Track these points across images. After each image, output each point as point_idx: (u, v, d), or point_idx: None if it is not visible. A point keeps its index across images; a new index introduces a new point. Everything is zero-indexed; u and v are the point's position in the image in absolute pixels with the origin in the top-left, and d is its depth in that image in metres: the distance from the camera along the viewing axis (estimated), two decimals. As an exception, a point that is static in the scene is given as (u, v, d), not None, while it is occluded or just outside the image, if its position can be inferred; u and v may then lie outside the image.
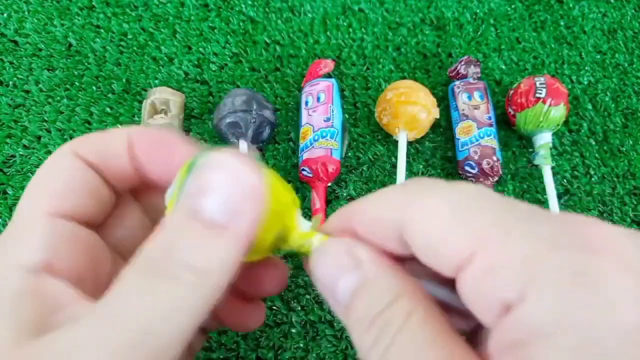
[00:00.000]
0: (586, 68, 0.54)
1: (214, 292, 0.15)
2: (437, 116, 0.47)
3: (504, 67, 0.54)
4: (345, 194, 0.46)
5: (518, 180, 0.48)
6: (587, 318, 0.11)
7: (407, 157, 0.47)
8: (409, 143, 0.48)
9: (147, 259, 0.15)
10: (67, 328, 0.14)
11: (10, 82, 0.50)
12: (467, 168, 0.45)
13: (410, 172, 0.47)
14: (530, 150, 0.49)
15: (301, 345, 0.39)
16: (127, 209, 0.20)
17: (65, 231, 0.16)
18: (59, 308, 0.15)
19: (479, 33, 0.56)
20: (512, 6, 0.58)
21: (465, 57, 0.50)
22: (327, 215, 0.44)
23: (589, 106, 0.52)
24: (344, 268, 0.15)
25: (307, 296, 0.41)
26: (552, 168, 0.47)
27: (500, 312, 0.12)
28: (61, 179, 0.17)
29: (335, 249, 0.16)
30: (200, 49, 0.53)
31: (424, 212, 0.14)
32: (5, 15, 0.54)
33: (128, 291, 0.14)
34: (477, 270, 0.13)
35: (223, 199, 0.15)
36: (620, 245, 0.12)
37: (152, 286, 0.14)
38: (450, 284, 0.15)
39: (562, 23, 0.57)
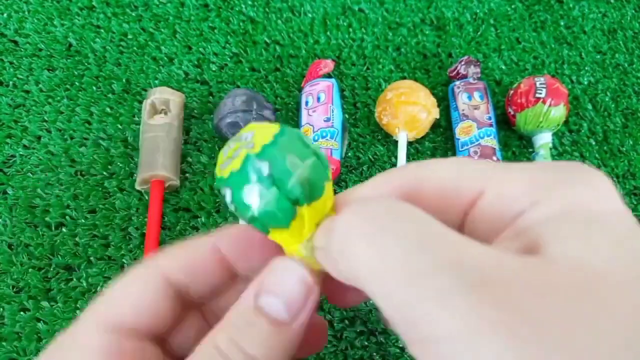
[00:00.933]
0: (586, 68, 0.54)
1: None
2: (437, 116, 0.47)
3: (504, 67, 0.54)
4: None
5: (518, 180, 0.48)
6: (588, 205, 0.13)
7: (407, 157, 0.47)
8: (409, 143, 0.48)
9: (214, 347, 0.16)
10: None
11: (10, 82, 0.50)
12: (467, 168, 0.45)
13: (410, 172, 0.47)
14: (530, 150, 0.49)
15: (301, 345, 0.39)
16: (191, 316, 0.20)
17: (124, 347, 0.16)
18: None
19: (479, 33, 0.56)
20: (512, 6, 0.58)
21: (465, 57, 0.50)
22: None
23: (589, 106, 0.52)
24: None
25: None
26: (552, 168, 0.47)
27: (511, 223, 0.14)
28: (135, 297, 0.17)
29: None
30: (200, 49, 0.53)
31: (435, 166, 0.16)
32: (5, 15, 0.54)
33: None
34: (490, 197, 0.15)
35: (288, 300, 0.16)
36: (597, 172, 0.15)
37: None
38: None
39: (562, 23, 0.57)
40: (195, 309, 0.20)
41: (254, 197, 0.16)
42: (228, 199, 0.16)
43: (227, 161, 0.16)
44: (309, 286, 0.17)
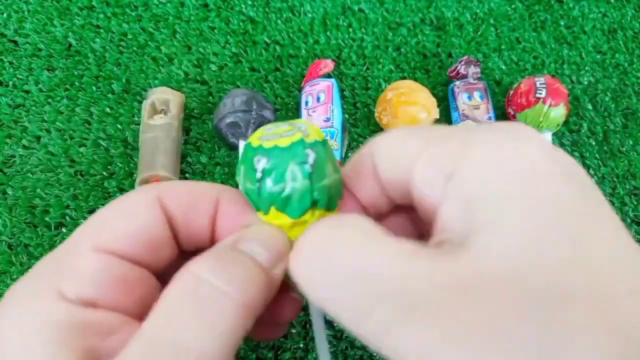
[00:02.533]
0: (586, 68, 0.54)
1: (252, 312, 0.16)
2: (437, 116, 0.47)
3: (504, 67, 0.54)
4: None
5: (518, 180, 0.48)
6: (515, 174, 0.14)
7: (407, 157, 0.47)
8: (409, 143, 0.48)
9: (194, 275, 0.16)
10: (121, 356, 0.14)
11: (10, 82, 0.50)
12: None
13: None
14: (530, 150, 0.49)
15: (301, 345, 0.39)
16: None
17: (114, 270, 0.16)
18: (109, 333, 0.15)
19: (479, 33, 0.56)
20: (512, 6, 0.58)
21: (465, 57, 0.50)
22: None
23: (589, 106, 0.52)
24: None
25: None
26: (552, 168, 0.47)
27: (445, 184, 0.15)
28: (129, 221, 0.17)
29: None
30: (200, 49, 0.53)
31: (379, 142, 0.18)
32: (5, 15, 0.54)
33: (174, 306, 0.15)
34: (425, 160, 0.16)
35: (269, 247, 0.17)
36: (525, 127, 0.16)
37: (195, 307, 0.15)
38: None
39: (562, 23, 0.57)
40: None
41: (289, 176, 0.17)
42: (260, 165, 0.17)
43: (274, 136, 0.17)
44: (287, 241, 0.18)
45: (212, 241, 0.19)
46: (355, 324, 0.14)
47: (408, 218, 0.20)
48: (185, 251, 0.19)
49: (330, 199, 0.17)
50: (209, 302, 0.15)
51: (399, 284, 0.13)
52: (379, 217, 0.19)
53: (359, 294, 0.14)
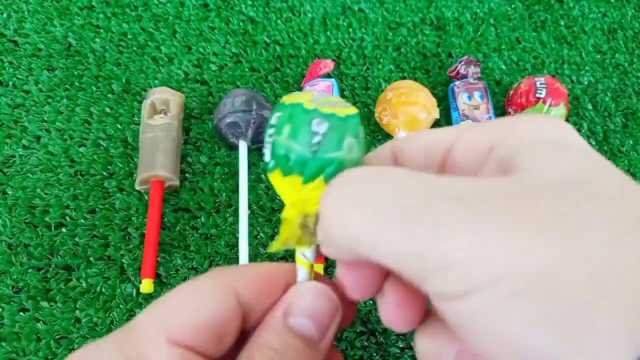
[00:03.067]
0: (586, 68, 0.54)
1: None
2: (437, 116, 0.47)
3: (504, 67, 0.54)
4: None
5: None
6: (549, 136, 0.16)
7: (407, 157, 0.47)
8: (409, 143, 0.48)
9: None
10: None
11: (10, 82, 0.50)
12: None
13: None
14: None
15: None
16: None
17: None
18: None
19: (479, 33, 0.56)
20: (512, 6, 0.58)
21: (465, 57, 0.50)
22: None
23: (589, 106, 0.52)
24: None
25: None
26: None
27: (486, 157, 0.16)
28: (206, 317, 0.16)
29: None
30: (200, 49, 0.53)
31: (416, 135, 0.18)
32: (5, 15, 0.54)
33: None
34: (465, 140, 0.16)
35: (317, 319, 0.17)
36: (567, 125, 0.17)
37: None
38: None
39: (562, 23, 0.57)
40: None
41: (347, 146, 0.17)
42: (321, 129, 0.16)
43: (327, 103, 0.17)
44: (335, 303, 0.17)
45: None
46: (399, 239, 0.13)
47: None
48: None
49: (339, 167, 0.17)
50: None
51: (451, 188, 0.13)
52: None
53: (405, 203, 0.13)
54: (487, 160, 0.16)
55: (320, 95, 0.18)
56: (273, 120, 0.17)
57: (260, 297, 0.17)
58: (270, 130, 0.17)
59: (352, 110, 0.17)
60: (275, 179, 0.17)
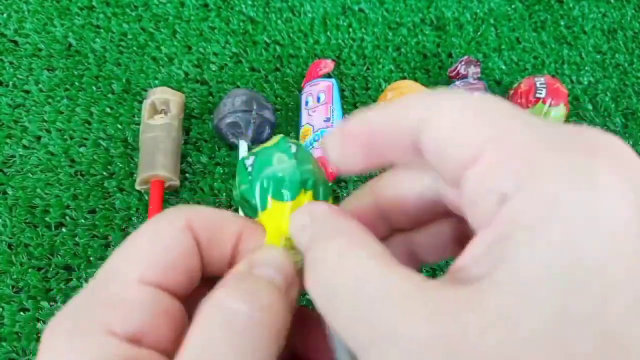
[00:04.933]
0: (586, 68, 0.54)
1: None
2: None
3: (504, 67, 0.54)
4: (345, 194, 0.46)
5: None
6: (572, 214, 0.11)
7: (407, 157, 0.47)
8: (409, 143, 0.48)
9: (218, 303, 0.16)
10: None
11: (10, 82, 0.50)
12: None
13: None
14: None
15: None
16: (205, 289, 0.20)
17: (159, 303, 0.16)
18: None
19: (479, 33, 0.56)
20: (512, 6, 0.58)
21: (465, 57, 0.50)
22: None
23: (589, 106, 0.52)
24: (302, 227, 0.17)
25: (307, 296, 0.41)
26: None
27: (496, 207, 0.12)
28: (168, 251, 0.17)
29: (297, 212, 0.18)
30: (200, 49, 0.53)
31: (438, 115, 0.14)
32: (5, 15, 0.54)
33: (208, 339, 0.15)
34: (482, 167, 0.13)
35: (282, 270, 0.17)
36: (621, 149, 0.12)
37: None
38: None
39: (562, 23, 0.57)
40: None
41: (276, 160, 0.18)
42: (249, 162, 0.19)
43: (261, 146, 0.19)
44: (294, 268, 0.18)
45: (229, 269, 0.19)
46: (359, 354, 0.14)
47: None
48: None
49: (316, 181, 0.18)
50: (244, 331, 0.15)
51: (395, 333, 0.12)
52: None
53: (361, 333, 0.13)
54: (495, 213, 0.13)
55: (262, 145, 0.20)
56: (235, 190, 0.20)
57: (213, 235, 0.18)
58: (233, 195, 0.19)
59: (279, 136, 0.19)
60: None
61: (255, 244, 0.18)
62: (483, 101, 0.14)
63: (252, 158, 0.19)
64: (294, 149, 0.19)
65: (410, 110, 0.15)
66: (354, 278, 0.14)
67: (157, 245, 0.17)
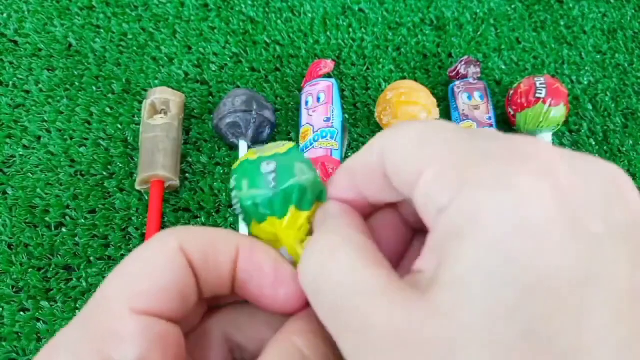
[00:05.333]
0: (586, 68, 0.54)
1: None
2: (437, 116, 0.47)
3: (504, 67, 0.54)
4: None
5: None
6: (501, 220, 0.12)
7: (407, 157, 0.47)
8: (409, 143, 0.48)
9: None
10: None
11: (10, 82, 0.50)
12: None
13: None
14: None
15: None
16: (199, 309, 0.20)
17: (154, 331, 0.16)
18: None
19: (479, 33, 0.56)
20: (512, 6, 0.58)
21: (465, 57, 0.50)
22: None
23: (589, 106, 0.52)
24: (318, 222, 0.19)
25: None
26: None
27: (436, 217, 0.14)
28: (160, 277, 0.17)
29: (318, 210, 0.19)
30: (200, 49, 0.53)
31: (393, 144, 0.16)
32: (5, 15, 0.54)
33: None
34: (422, 184, 0.15)
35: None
36: (550, 157, 0.13)
37: None
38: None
39: (562, 23, 0.57)
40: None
41: (298, 171, 0.19)
42: (270, 168, 0.19)
43: (267, 149, 0.20)
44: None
45: (232, 288, 0.19)
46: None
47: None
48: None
49: (324, 191, 0.19)
50: None
51: (367, 332, 0.14)
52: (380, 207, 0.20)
53: (338, 322, 0.15)
54: (434, 224, 0.14)
55: (260, 147, 0.20)
56: (232, 184, 0.19)
57: (208, 256, 0.18)
58: (233, 194, 0.19)
59: (290, 144, 0.19)
60: (256, 230, 0.19)
61: (256, 260, 0.18)
62: (427, 126, 0.16)
63: (272, 164, 0.19)
64: (306, 158, 0.19)
65: (374, 149, 0.17)
66: (337, 273, 0.15)
67: (148, 272, 0.17)
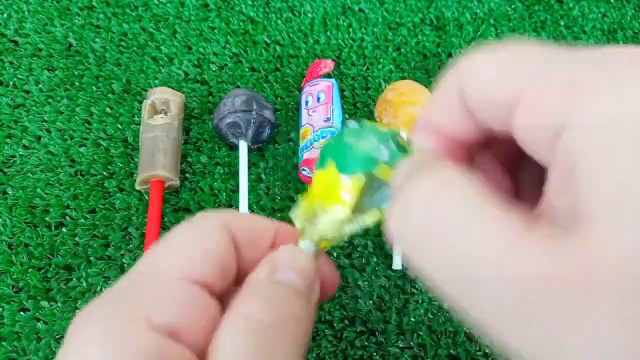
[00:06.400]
0: (586, 68, 0.54)
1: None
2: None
3: (504, 67, 0.54)
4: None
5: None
6: (630, 121, 0.11)
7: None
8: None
9: (244, 317, 0.16)
10: None
11: (10, 82, 0.50)
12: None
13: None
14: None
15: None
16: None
17: (198, 300, 0.16)
18: None
19: (479, 33, 0.56)
20: (512, 6, 0.58)
21: (465, 57, 0.50)
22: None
23: (589, 106, 0.52)
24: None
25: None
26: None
27: (553, 142, 0.12)
28: (208, 249, 0.17)
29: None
30: (200, 49, 0.53)
31: (474, 68, 0.14)
32: (5, 15, 0.54)
33: (235, 352, 0.15)
34: (525, 108, 0.13)
35: (303, 273, 0.18)
36: None
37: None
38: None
39: (562, 23, 0.57)
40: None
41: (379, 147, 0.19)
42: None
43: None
44: (315, 265, 0.18)
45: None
46: (460, 310, 0.13)
47: (504, 147, 0.17)
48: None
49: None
50: (271, 342, 0.15)
51: (508, 282, 0.11)
52: (469, 149, 0.18)
53: (463, 284, 0.12)
54: (554, 156, 0.12)
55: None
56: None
57: (250, 239, 0.18)
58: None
59: (393, 130, 0.20)
60: (321, 179, 0.20)
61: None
62: (507, 48, 0.14)
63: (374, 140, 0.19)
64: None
65: (449, 84, 0.15)
66: (450, 224, 0.13)
67: (197, 243, 0.17)
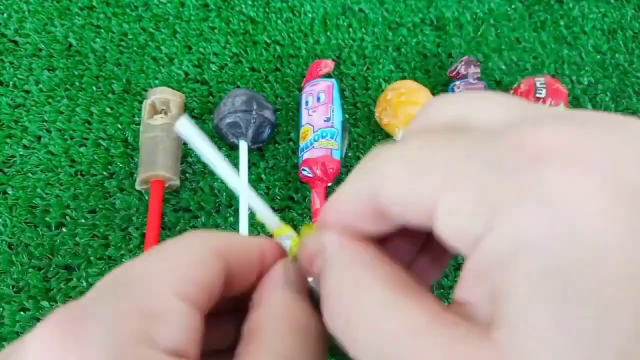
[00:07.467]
0: (586, 68, 0.54)
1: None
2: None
3: (504, 67, 0.54)
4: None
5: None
6: (547, 238, 0.11)
7: (407, 157, 0.47)
8: (409, 143, 0.48)
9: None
10: None
11: (10, 82, 0.50)
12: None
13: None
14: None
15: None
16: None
17: (194, 319, 0.16)
18: None
19: (479, 33, 0.56)
20: (512, 6, 0.58)
21: (465, 57, 0.50)
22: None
23: (589, 106, 0.52)
24: (313, 256, 0.17)
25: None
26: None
27: (473, 244, 0.12)
28: (202, 269, 0.17)
29: (306, 241, 0.18)
30: (200, 49, 0.53)
31: (385, 177, 0.14)
32: (5, 15, 0.54)
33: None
34: (444, 215, 0.13)
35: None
36: (575, 144, 0.11)
37: None
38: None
39: (562, 23, 0.57)
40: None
41: None
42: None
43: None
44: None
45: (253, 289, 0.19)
46: None
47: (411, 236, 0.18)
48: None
49: None
50: (315, 338, 0.16)
51: None
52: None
53: None
54: (470, 258, 0.13)
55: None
56: None
57: (241, 262, 0.18)
58: None
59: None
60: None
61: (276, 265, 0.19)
62: (415, 147, 0.14)
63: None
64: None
65: (360, 183, 0.15)
66: (372, 313, 0.13)
67: (192, 262, 0.17)
